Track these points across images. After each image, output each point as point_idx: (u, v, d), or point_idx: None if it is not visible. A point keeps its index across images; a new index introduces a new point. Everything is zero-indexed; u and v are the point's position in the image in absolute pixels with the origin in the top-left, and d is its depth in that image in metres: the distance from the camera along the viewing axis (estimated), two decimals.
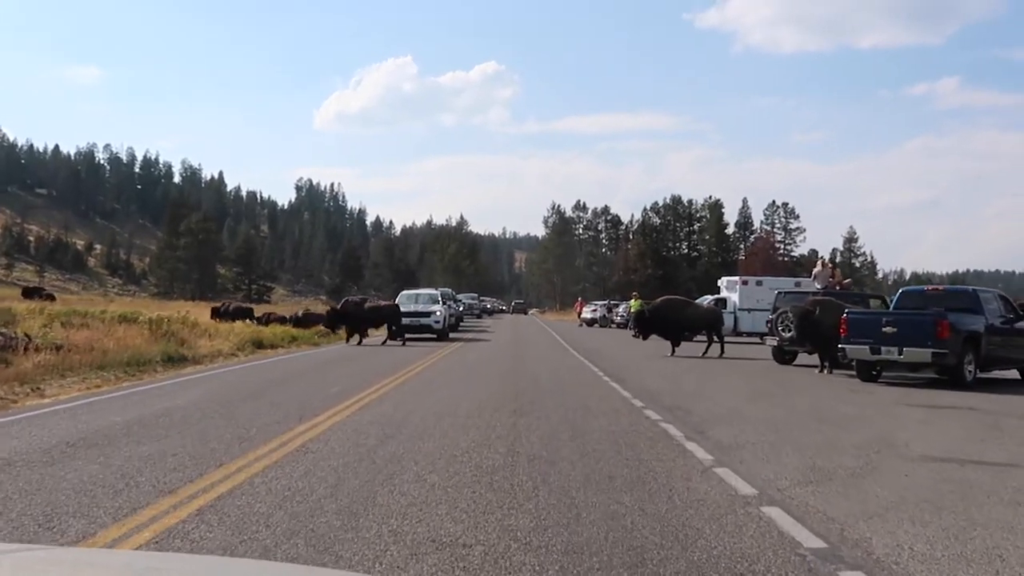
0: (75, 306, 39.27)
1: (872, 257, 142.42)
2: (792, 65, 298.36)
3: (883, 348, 18.02)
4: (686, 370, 21.31)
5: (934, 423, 12.14)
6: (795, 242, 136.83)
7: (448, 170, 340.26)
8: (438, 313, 33.86)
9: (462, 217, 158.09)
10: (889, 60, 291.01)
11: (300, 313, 40.94)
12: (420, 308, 33.96)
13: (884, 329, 18.04)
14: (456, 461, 8.19)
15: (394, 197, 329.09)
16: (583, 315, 64.32)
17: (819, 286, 25.39)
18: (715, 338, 27.90)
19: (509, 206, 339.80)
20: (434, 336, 33.37)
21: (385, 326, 31.52)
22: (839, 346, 18.99)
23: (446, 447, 9.04)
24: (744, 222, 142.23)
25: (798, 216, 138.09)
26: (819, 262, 25.20)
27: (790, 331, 23.17)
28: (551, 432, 10.24)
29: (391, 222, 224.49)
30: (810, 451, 9.31)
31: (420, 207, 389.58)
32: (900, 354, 17.78)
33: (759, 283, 42.85)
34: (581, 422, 11.08)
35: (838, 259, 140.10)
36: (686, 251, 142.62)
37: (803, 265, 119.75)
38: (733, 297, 40.91)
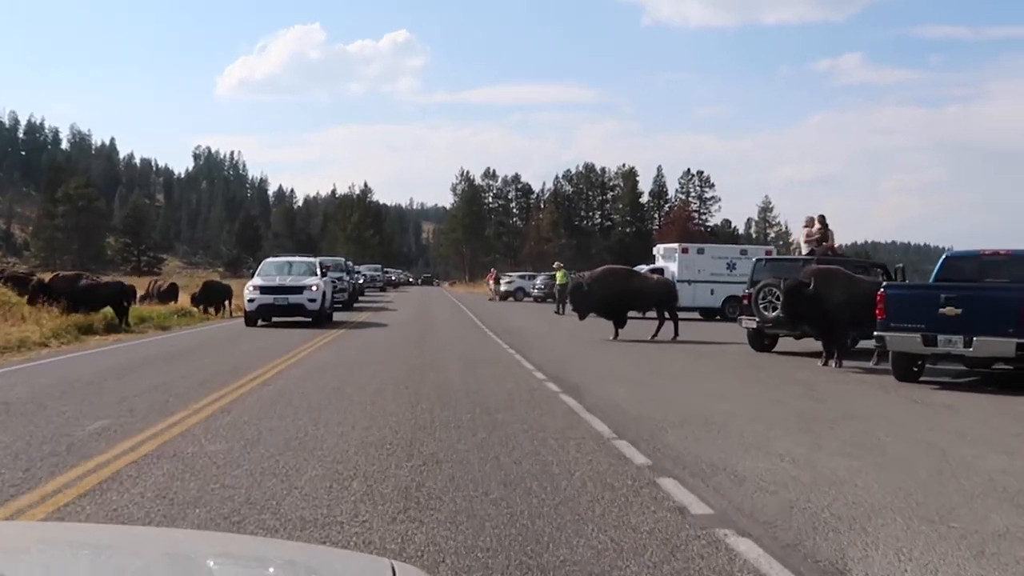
0: None
1: (787, 227, 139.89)
2: (699, 39, 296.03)
3: (940, 337, 12.64)
4: (649, 364, 15.69)
5: None
6: (710, 212, 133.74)
7: (355, 140, 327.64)
8: (314, 289, 24.42)
9: (366, 185, 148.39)
10: (793, 36, 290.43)
11: (161, 286, 34.12)
12: (289, 282, 24.82)
13: (943, 311, 12.64)
14: None
15: (299, 167, 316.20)
16: (500, 288, 58.15)
17: (807, 251, 19.94)
18: (667, 316, 22.42)
19: (417, 177, 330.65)
20: (308, 319, 24.31)
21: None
22: (876, 334, 13.53)
23: None
24: (659, 191, 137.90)
25: (713, 185, 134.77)
26: (809, 220, 19.73)
27: (775, 310, 17.78)
28: None
29: (292, 191, 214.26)
30: None
31: (325, 177, 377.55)
32: (967, 346, 12.42)
33: (700, 251, 37.70)
34: (552, 533, 5.19)
35: (753, 229, 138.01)
36: (599, 220, 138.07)
37: (718, 235, 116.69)
38: (671, 267, 35.46)
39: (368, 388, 11.45)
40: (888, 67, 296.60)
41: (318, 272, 25.97)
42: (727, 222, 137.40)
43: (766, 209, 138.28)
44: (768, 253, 38.36)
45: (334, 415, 9.21)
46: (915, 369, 13.75)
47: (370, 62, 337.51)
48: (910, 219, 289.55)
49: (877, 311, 13.40)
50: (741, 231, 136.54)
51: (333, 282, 30.47)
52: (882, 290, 13.66)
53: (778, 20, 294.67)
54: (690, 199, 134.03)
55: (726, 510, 5.58)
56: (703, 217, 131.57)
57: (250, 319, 24.25)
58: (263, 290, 24.33)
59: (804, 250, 20.15)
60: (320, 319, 24.50)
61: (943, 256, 14.92)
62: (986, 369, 13.84)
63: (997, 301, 12.52)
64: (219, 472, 6.53)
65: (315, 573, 1.79)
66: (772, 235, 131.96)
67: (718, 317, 34.81)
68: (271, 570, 1.77)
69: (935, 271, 14.84)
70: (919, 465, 7.14)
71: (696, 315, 33.77)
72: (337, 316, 27.94)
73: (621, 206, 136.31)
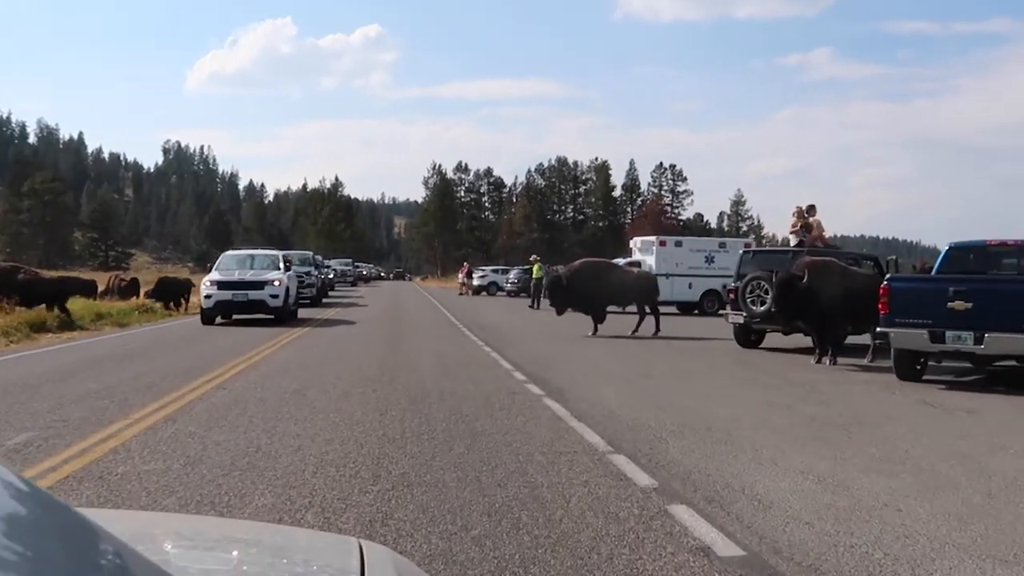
0: None
1: (759, 221, 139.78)
2: (671, 33, 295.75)
3: (949, 333, 11.77)
4: (634, 362, 14.75)
5: None
6: (683, 205, 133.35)
7: (327, 135, 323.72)
8: (277, 284, 22.72)
9: (337, 179, 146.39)
10: (764, 31, 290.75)
11: (122, 281, 32.78)
12: (249, 277, 23.02)
13: (952, 304, 11.77)
14: None
15: (270, 162, 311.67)
16: (473, 282, 57.00)
17: (795, 242, 19.04)
18: (647, 311, 21.51)
19: (389, 172, 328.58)
20: (271, 316, 22.71)
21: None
22: (879, 330, 12.65)
23: None
24: (631, 184, 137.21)
25: (686, 179, 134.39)
26: (798, 210, 18.81)
27: (763, 304, 16.92)
28: None
29: (263, 185, 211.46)
30: None
31: (297, 172, 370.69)
32: (978, 342, 11.56)
33: (678, 243, 36.81)
34: None
35: (725, 223, 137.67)
36: (572, 214, 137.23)
37: (690, 228, 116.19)
38: (649, 260, 34.55)
39: (332, 392, 10.41)
40: (857, 62, 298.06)
41: (281, 266, 24.27)
42: (699, 216, 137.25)
43: (738, 203, 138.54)
44: (747, 246, 37.60)
45: (292, 425, 8.17)
46: (918, 367, 12.90)
47: (342, 56, 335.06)
48: (879, 213, 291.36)
49: (880, 305, 12.52)
50: (714, 224, 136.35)
51: (300, 277, 29.11)
52: (886, 283, 12.76)
53: (749, 14, 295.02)
54: (663, 193, 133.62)
55: (759, 550, 4.61)
56: (676, 211, 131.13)
57: (207, 317, 22.57)
58: (221, 285, 22.57)
59: (792, 241, 19.25)
60: (284, 316, 22.91)
61: (947, 247, 14.04)
62: (991, 366, 13.02)
63: (1010, 295, 11.66)
64: (149, 500, 5.50)
65: (281, 552, 1.73)
66: (744, 228, 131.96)
67: (696, 311, 33.99)
68: (235, 553, 1.69)
69: (938, 263, 13.99)
70: (964, 485, 6.21)
71: (674, 309, 32.89)
72: (304, 313, 26.57)
73: (594, 200, 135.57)
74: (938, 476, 6.50)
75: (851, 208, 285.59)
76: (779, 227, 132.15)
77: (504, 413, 8.99)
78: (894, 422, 9.07)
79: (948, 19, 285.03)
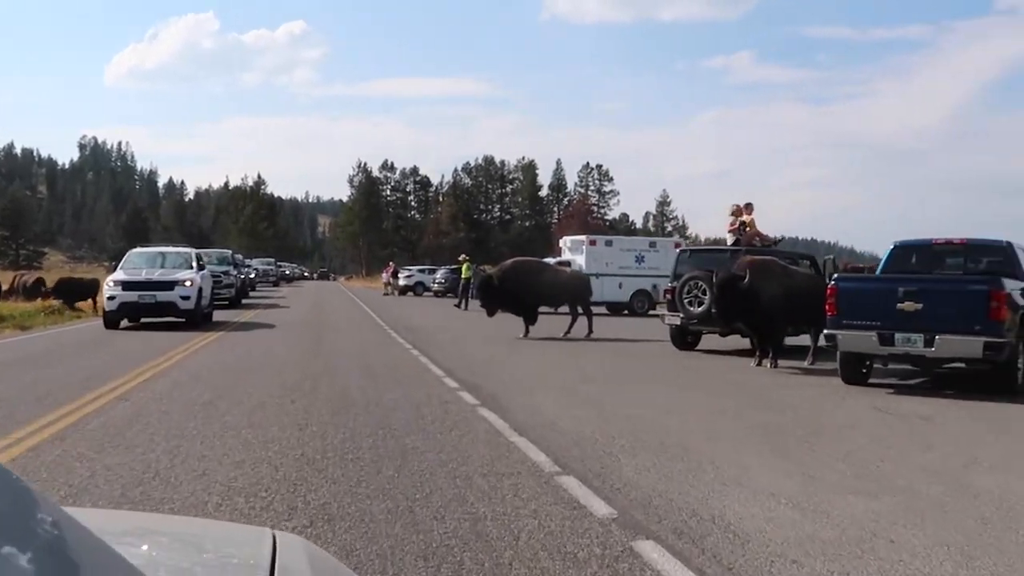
0: None
1: (684, 221, 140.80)
2: (597, 34, 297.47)
3: (898, 336, 11.31)
4: (571, 366, 14.07)
5: None
6: (609, 205, 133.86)
7: (250, 132, 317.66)
8: (188, 284, 21.05)
9: (259, 176, 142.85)
10: (688, 33, 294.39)
11: (27, 281, 31.08)
12: (157, 276, 21.17)
13: (901, 306, 11.31)
14: None
15: (190, 159, 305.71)
16: (399, 282, 55.92)
17: (731, 241, 18.54)
18: (580, 311, 20.90)
19: (314, 170, 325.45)
20: (182, 319, 21.07)
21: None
22: (826, 332, 12.13)
23: None
24: (558, 184, 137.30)
25: (612, 179, 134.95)
26: (736, 208, 18.28)
27: (701, 305, 16.43)
28: None
29: (183, 183, 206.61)
30: None
31: (218, 170, 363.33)
32: (929, 345, 11.12)
33: (609, 243, 36.53)
34: None
35: (651, 223, 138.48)
36: (499, 214, 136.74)
37: (616, 229, 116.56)
38: (579, 260, 34.05)
39: (247, 403, 9.48)
40: (779, 66, 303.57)
41: (194, 264, 22.56)
42: (625, 216, 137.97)
43: (664, 203, 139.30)
44: (677, 246, 37.37)
45: (198, 444, 7.24)
46: (864, 371, 12.46)
47: (265, 53, 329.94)
48: (800, 215, 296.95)
49: (828, 306, 12.01)
50: (639, 225, 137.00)
51: (217, 276, 27.77)
52: (833, 283, 12.26)
53: (674, 16, 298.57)
54: (589, 192, 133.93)
55: None
56: (602, 211, 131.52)
57: (110, 320, 20.78)
58: (126, 286, 20.79)
59: (729, 240, 18.76)
60: (196, 319, 21.29)
61: (891, 245, 13.60)
62: (938, 369, 12.64)
63: (962, 295, 11.23)
64: None
65: (195, 544, 1.69)
66: (669, 229, 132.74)
67: (626, 311, 33.59)
68: (144, 547, 1.57)
69: (883, 262, 13.55)
70: (952, 507, 5.60)
71: (603, 309, 32.42)
72: (221, 315, 25.17)
73: (520, 199, 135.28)
74: (919, 497, 5.88)
75: (772, 209, 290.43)
76: (703, 228, 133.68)
77: (437, 426, 8.19)
78: (853, 432, 8.49)
79: (867, 25, 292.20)
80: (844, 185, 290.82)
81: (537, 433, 7.84)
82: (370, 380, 11.66)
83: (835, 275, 12.95)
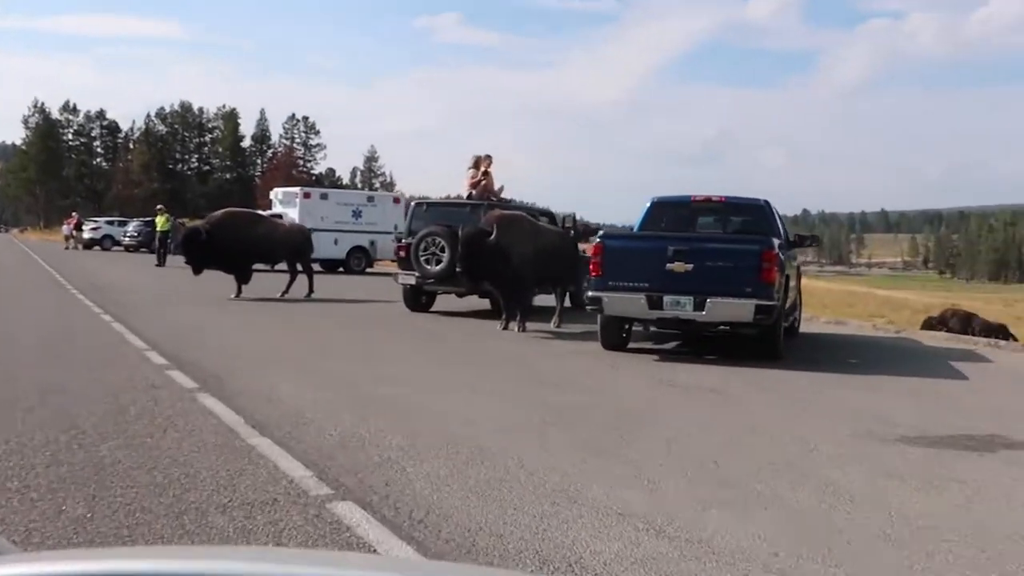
0: None
1: (392, 178, 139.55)
2: None
3: (667, 298, 10.45)
4: (302, 335, 12.22)
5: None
6: (316, 159, 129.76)
7: None
8: None
9: None
10: None
11: None
12: None
13: (671, 266, 10.44)
14: None
15: None
16: (83, 235, 50.41)
17: (467, 195, 17.14)
18: (299, 268, 18.93)
19: None
20: None
21: None
22: (590, 295, 11.03)
23: None
24: (262, 135, 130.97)
25: (319, 132, 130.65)
26: (475, 160, 16.89)
27: (439, 263, 15.08)
28: None
29: None
30: None
31: None
32: (699, 308, 10.34)
33: (324, 196, 34.40)
34: None
35: (359, 178, 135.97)
36: (197, 164, 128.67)
37: (323, 183, 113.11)
38: (292, 213, 31.64)
39: None
40: (483, 29, 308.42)
41: None
42: (332, 170, 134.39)
43: (372, 159, 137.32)
44: (397, 200, 35.86)
45: None
46: (624, 335, 11.59)
47: None
48: (498, 178, 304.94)
49: (592, 266, 10.93)
50: (347, 180, 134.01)
51: None
52: (599, 240, 11.17)
53: None
54: (295, 145, 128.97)
55: None
56: (308, 164, 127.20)
57: None
58: None
59: (465, 194, 17.40)
60: None
61: (650, 200, 12.76)
62: (703, 333, 12.01)
63: (733, 255, 10.52)
64: None
65: None
66: (377, 185, 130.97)
67: (342, 269, 31.74)
68: None
69: (641, 218, 12.68)
70: (839, 520, 4.44)
71: (318, 267, 30.39)
72: None
73: (221, 150, 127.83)
74: (788, 506, 4.72)
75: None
76: (410, 185, 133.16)
77: (145, 425, 6.14)
78: (656, 414, 7.33)
79: None
80: (547, 150, 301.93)
81: (284, 431, 6.02)
82: (48, 356, 9.22)
83: (600, 232, 11.90)
